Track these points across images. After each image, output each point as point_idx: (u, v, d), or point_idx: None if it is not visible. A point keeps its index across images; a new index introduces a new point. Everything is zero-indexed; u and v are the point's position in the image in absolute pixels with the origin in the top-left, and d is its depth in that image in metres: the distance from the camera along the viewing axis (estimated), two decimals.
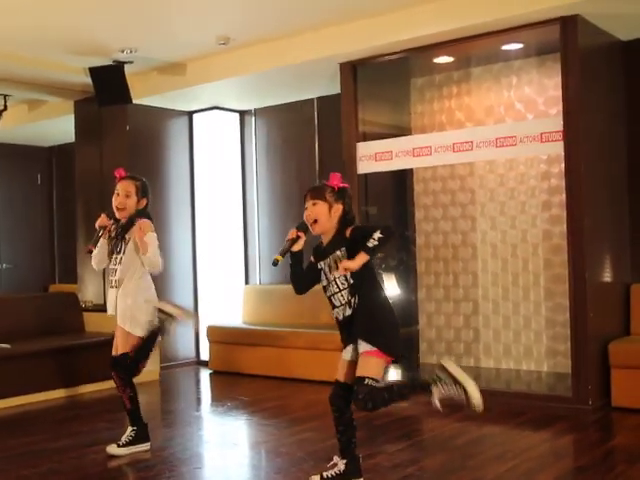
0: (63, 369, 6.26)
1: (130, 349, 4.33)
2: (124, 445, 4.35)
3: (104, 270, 7.42)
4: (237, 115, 7.96)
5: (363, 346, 3.40)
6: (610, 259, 5.46)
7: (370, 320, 3.43)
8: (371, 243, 3.32)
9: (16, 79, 6.86)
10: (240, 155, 7.98)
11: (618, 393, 5.11)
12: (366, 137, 6.15)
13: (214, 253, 7.75)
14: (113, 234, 4.41)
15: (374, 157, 6.00)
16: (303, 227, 3.52)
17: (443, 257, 6.61)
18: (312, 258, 3.58)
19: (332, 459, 3.59)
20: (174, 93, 7.06)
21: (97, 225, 4.37)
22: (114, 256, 4.39)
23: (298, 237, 3.51)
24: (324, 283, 3.54)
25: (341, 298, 3.46)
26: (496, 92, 6.28)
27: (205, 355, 7.54)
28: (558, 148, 5.20)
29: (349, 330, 3.47)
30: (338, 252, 3.45)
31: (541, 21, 5.12)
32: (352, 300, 3.43)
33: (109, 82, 6.65)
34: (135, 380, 4.42)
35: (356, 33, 5.73)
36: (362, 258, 3.33)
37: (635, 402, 5.04)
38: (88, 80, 6.71)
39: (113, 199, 4.39)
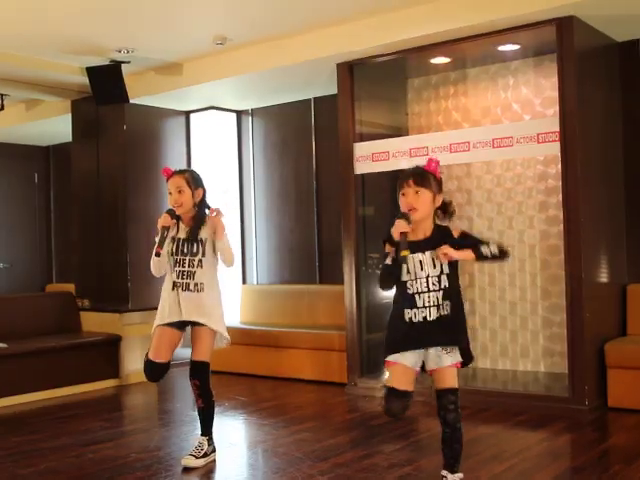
0: (60, 368, 6.26)
1: (210, 352, 4.18)
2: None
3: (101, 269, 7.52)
4: (234, 115, 7.97)
5: (453, 357, 3.25)
6: (606, 260, 5.48)
7: (464, 331, 3.29)
8: (487, 250, 3.12)
9: (13, 79, 6.85)
10: (237, 155, 7.98)
11: (614, 393, 5.12)
12: (363, 137, 6.16)
13: None
14: (180, 235, 4.14)
15: (371, 157, 6.00)
16: (408, 218, 3.14)
17: None
18: (389, 249, 3.19)
19: (330, 459, 3.58)
20: (171, 93, 7.06)
21: (160, 225, 4.04)
22: (187, 258, 4.10)
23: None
24: (406, 278, 3.21)
25: (428, 299, 3.20)
26: (493, 93, 6.29)
27: None
28: (555, 149, 5.20)
29: (425, 334, 3.21)
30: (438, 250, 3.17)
31: (537, 22, 5.13)
32: (443, 304, 3.22)
33: (106, 82, 6.65)
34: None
35: (353, 33, 5.74)
36: (466, 255, 3.14)
37: (631, 402, 5.06)
38: (85, 80, 6.71)
39: (168, 200, 4.18)
